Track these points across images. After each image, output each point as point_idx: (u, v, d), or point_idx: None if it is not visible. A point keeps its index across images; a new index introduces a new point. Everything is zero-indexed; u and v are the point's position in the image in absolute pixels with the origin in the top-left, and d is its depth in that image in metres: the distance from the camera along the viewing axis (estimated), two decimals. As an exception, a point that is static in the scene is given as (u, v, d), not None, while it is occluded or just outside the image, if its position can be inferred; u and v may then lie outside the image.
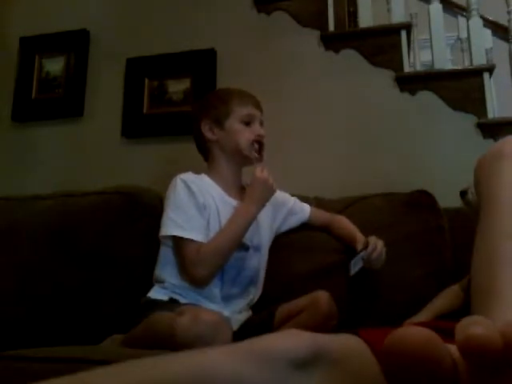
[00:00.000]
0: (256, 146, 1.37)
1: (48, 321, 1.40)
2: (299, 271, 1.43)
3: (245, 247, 1.33)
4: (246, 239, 1.33)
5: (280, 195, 1.50)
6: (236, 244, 1.27)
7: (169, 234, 1.26)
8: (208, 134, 1.39)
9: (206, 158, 1.44)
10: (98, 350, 1.05)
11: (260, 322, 1.24)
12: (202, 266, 1.23)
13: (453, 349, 0.36)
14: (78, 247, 1.47)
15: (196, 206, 1.28)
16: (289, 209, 1.49)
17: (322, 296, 1.19)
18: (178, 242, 1.26)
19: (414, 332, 0.35)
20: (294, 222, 1.50)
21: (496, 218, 0.60)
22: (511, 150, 0.65)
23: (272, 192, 1.33)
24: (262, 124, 1.43)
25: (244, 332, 1.22)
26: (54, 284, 1.43)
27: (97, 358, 0.77)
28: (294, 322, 1.18)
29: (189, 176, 1.33)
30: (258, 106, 1.42)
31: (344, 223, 1.49)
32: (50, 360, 0.79)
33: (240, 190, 1.42)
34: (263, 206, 1.32)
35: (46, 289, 1.43)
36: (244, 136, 1.36)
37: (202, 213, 1.28)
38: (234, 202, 1.36)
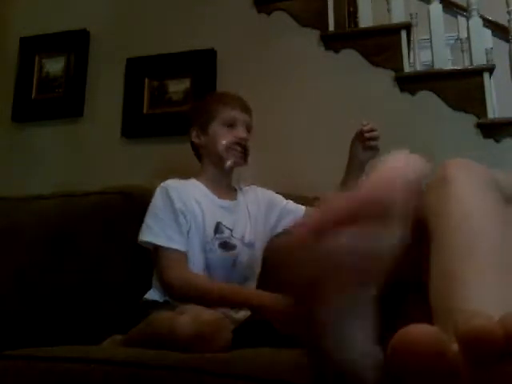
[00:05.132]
0: (238, 148, 1.39)
1: (48, 320, 1.40)
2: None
3: (231, 246, 1.33)
4: (234, 238, 1.34)
5: (273, 196, 1.52)
6: (215, 303, 1.20)
7: (144, 239, 1.29)
8: (196, 140, 1.45)
9: (199, 162, 1.49)
10: (98, 349, 1.05)
11: (262, 322, 1.24)
12: (175, 286, 1.24)
13: (453, 345, 0.37)
14: (78, 247, 1.47)
15: (173, 214, 1.29)
16: (282, 208, 1.50)
17: None
18: (155, 249, 1.29)
19: (418, 331, 0.36)
20: (289, 220, 1.50)
21: (445, 237, 0.63)
22: (453, 174, 0.67)
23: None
24: (249, 128, 1.44)
25: (245, 332, 1.22)
26: (53, 284, 1.43)
27: (97, 357, 0.77)
28: None
29: (170, 182, 1.35)
30: (243, 109, 1.43)
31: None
32: (50, 359, 0.79)
33: (229, 191, 1.45)
34: (261, 306, 1.19)
35: (46, 289, 1.43)
36: (223, 138, 1.39)
37: (180, 220, 1.29)
38: (221, 202, 1.39)
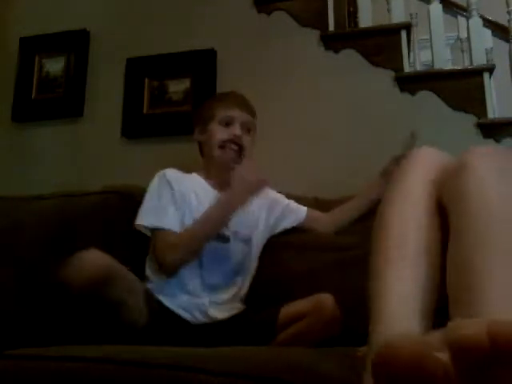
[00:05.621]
0: (233, 146, 1.40)
1: (48, 320, 1.40)
2: (296, 270, 1.43)
3: (225, 238, 1.35)
4: (229, 231, 1.35)
5: (276, 195, 1.54)
6: (211, 232, 1.29)
7: (141, 223, 1.31)
8: (198, 138, 1.50)
9: (203, 158, 1.53)
10: (98, 349, 1.05)
11: (261, 321, 1.24)
12: (173, 251, 1.26)
13: (442, 355, 0.37)
14: (78, 247, 1.46)
15: (170, 195, 1.32)
16: (284, 206, 1.52)
17: (326, 300, 1.18)
18: (152, 231, 1.31)
19: (403, 344, 0.36)
20: (291, 220, 1.52)
21: (464, 229, 0.61)
22: (474, 162, 0.66)
23: (254, 190, 1.31)
24: (249, 126, 1.45)
25: (243, 329, 1.23)
26: (53, 283, 1.43)
27: (97, 357, 0.77)
28: (297, 325, 1.18)
29: (168, 170, 1.39)
30: (242, 107, 1.45)
31: (345, 204, 1.52)
32: (50, 359, 0.79)
33: (228, 187, 1.45)
34: (244, 201, 1.30)
35: (46, 288, 1.43)
36: (217, 136, 1.41)
37: (177, 204, 1.31)
38: (219, 194, 1.40)
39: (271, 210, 1.49)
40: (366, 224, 1.47)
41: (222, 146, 1.41)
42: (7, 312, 1.41)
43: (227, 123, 1.42)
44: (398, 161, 1.42)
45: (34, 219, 1.53)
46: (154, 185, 1.36)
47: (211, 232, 1.29)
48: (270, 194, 1.53)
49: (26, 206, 1.58)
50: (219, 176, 1.45)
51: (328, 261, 1.43)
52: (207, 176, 1.45)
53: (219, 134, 1.42)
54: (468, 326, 0.34)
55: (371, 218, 1.55)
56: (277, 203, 1.51)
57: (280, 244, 1.48)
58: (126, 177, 1.93)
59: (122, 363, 0.72)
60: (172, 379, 0.67)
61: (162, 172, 1.38)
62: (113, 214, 1.48)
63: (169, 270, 1.27)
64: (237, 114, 1.43)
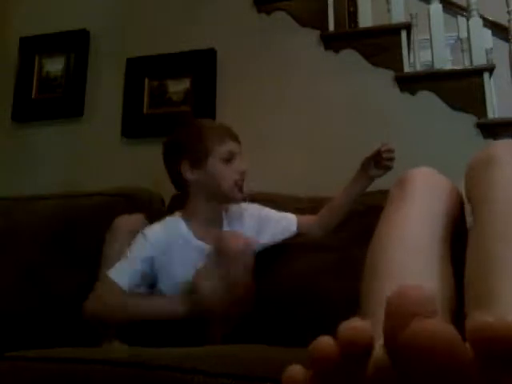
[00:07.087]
0: (240, 183, 1.35)
1: (48, 321, 1.40)
2: (296, 270, 1.43)
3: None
4: None
5: (266, 213, 1.48)
6: (140, 318, 1.24)
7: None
8: (188, 175, 1.35)
9: (184, 195, 1.41)
10: (99, 350, 1.05)
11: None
12: (97, 302, 1.25)
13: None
14: (78, 248, 1.47)
15: (139, 261, 1.28)
16: (274, 223, 1.46)
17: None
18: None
19: (435, 329, 0.32)
20: (283, 236, 1.46)
21: (488, 221, 0.60)
22: (500, 155, 0.65)
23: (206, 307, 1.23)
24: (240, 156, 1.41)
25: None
26: (53, 284, 1.43)
27: (97, 357, 0.77)
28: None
29: (151, 230, 1.33)
30: (236, 139, 1.40)
31: (331, 203, 1.47)
32: (50, 360, 0.79)
33: (214, 226, 1.38)
34: (189, 314, 1.24)
35: (46, 289, 1.43)
36: (226, 177, 1.34)
37: (144, 265, 1.29)
38: (203, 246, 1.33)
39: (262, 230, 1.44)
40: (363, 222, 1.47)
41: (233, 186, 1.35)
42: (7, 312, 1.41)
43: (228, 159, 1.35)
44: (375, 154, 1.41)
45: (33, 219, 1.53)
46: (135, 241, 1.31)
47: (144, 315, 1.24)
48: (258, 211, 1.47)
49: (26, 206, 1.58)
50: (208, 214, 1.38)
51: (330, 260, 1.43)
52: (191, 217, 1.37)
53: (229, 173, 1.34)
54: (492, 317, 0.32)
55: (369, 215, 1.55)
56: (267, 221, 1.45)
57: (278, 245, 1.48)
58: (126, 177, 1.94)
59: (121, 364, 0.72)
60: (171, 380, 0.67)
61: (144, 233, 1.32)
62: (113, 215, 1.47)
63: (84, 315, 1.25)
64: (235, 147, 1.38)
